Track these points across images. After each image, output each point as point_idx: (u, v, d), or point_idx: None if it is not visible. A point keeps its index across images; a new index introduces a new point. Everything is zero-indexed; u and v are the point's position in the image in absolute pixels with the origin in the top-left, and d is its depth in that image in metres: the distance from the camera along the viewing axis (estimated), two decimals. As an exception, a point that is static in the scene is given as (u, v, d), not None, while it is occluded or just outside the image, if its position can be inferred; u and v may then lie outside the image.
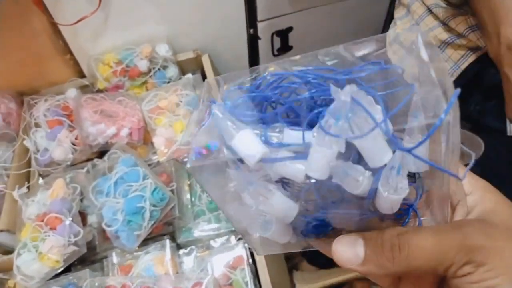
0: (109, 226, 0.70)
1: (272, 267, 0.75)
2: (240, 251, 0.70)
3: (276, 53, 1.08)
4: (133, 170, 0.74)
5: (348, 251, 0.24)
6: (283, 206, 0.27)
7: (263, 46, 1.04)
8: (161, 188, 0.71)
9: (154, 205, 0.70)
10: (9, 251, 0.79)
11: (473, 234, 0.23)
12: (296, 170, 0.24)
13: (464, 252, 0.22)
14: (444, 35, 0.70)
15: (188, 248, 0.73)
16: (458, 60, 0.70)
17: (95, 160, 0.84)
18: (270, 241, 0.30)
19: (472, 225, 0.24)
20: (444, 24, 0.70)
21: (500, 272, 0.22)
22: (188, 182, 0.80)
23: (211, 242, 0.74)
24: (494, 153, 0.75)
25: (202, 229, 0.75)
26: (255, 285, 0.69)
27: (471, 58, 0.68)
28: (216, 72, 0.96)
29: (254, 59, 1.06)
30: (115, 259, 0.72)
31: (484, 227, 0.24)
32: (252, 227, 0.30)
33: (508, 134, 0.70)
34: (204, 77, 0.96)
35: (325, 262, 1.19)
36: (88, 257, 0.78)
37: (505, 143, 0.73)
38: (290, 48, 1.07)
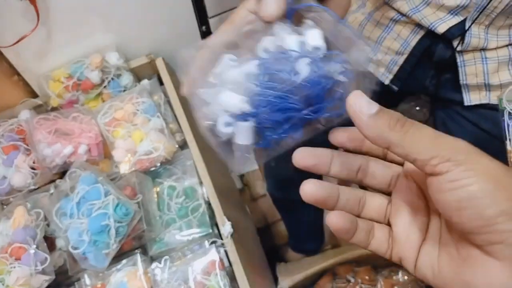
0: (75, 248, 0.68)
1: (249, 267, 0.74)
2: (213, 255, 0.69)
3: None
4: (94, 188, 0.72)
5: (363, 101, 0.26)
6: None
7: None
8: (124, 202, 0.69)
9: (119, 221, 0.68)
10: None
11: (462, 142, 0.25)
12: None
13: (451, 151, 0.25)
14: (392, 13, 0.69)
15: (162, 260, 0.72)
16: (407, 37, 0.69)
17: (57, 181, 0.82)
18: (240, 149, 0.31)
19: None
20: (389, 4, 0.69)
21: (476, 173, 0.24)
22: (156, 190, 0.79)
23: (184, 250, 0.73)
24: (455, 124, 0.76)
25: (173, 237, 0.74)
26: (232, 286, 0.68)
27: (419, 34, 0.67)
28: (173, 74, 0.94)
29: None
30: (87, 280, 0.70)
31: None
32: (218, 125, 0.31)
33: (465, 104, 0.70)
34: (160, 81, 0.94)
35: (312, 248, 1.19)
36: (62, 281, 0.76)
37: (465, 113, 0.73)
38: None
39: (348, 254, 0.90)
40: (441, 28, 0.63)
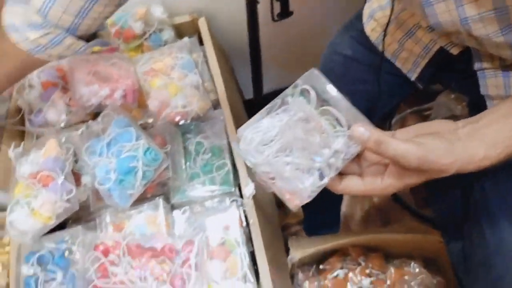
0: (101, 184, 0.70)
1: (265, 231, 0.75)
2: (234, 212, 0.70)
3: (276, 18, 1.05)
4: (126, 131, 0.73)
5: (363, 130, 0.41)
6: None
7: (262, 10, 1.01)
8: (154, 148, 0.70)
9: (147, 165, 0.70)
10: (3, 209, 0.79)
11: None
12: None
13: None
14: (417, 18, 0.68)
15: (182, 209, 0.73)
16: (428, 43, 0.68)
17: (89, 122, 0.84)
18: None
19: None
20: None
21: None
22: (184, 145, 0.80)
23: (205, 204, 0.74)
24: None
25: (196, 190, 0.74)
26: (247, 247, 0.69)
27: (442, 41, 0.66)
28: (213, 37, 0.94)
29: (253, 24, 1.04)
30: (108, 218, 0.72)
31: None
32: None
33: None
34: (200, 41, 0.94)
35: (324, 233, 1.19)
36: (82, 217, 0.78)
37: None
38: (291, 13, 1.05)
39: (361, 238, 0.90)
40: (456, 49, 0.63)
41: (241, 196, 0.74)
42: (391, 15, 0.66)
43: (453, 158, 0.41)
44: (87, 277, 0.62)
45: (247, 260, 0.64)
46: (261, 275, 0.66)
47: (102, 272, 0.62)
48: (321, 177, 0.39)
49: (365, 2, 0.81)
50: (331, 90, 0.41)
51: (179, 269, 0.62)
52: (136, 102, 0.84)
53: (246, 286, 0.62)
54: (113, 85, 0.81)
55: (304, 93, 0.40)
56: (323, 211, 1.15)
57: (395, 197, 1.40)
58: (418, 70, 0.72)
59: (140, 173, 0.69)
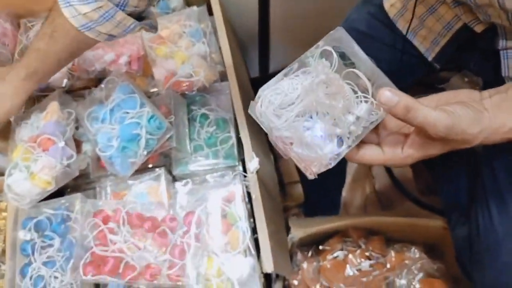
0: (103, 151, 0.68)
1: (267, 208, 0.74)
2: (237, 186, 0.68)
3: (285, -8, 1.02)
4: (130, 98, 0.71)
5: (391, 95, 0.38)
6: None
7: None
8: (159, 117, 0.68)
9: (150, 133, 0.68)
10: (1, 173, 0.78)
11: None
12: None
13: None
14: None
15: (184, 181, 0.71)
16: (450, 20, 0.65)
17: (92, 88, 0.81)
18: None
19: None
20: None
21: None
22: (189, 116, 0.78)
23: (207, 177, 0.72)
24: None
25: (199, 163, 0.73)
26: (249, 221, 0.67)
27: (466, 17, 0.63)
28: (223, 7, 0.91)
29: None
30: (108, 186, 0.70)
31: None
32: None
33: None
34: (209, 11, 0.91)
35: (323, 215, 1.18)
36: (81, 185, 0.76)
37: None
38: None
39: (363, 220, 0.89)
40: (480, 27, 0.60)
41: (244, 171, 0.73)
42: None
43: (480, 127, 0.40)
44: (85, 244, 0.61)
45: (249, 234, 0.63)
46: (261, 251, 0.64)
47: (101, 239, 0.61)
48: (339, 144, 0.37)
49: None
50: (358, 51, 0.39)
51: (179, 239, 0.60)
52: (141, 69, 0.82)
53: (247, 260, 0.61)
54: (118, 51, 0.79)
55: (325, 54, 0.38)
56: (325, 194, 1.14)
57: (397, 184, 1.39)
58: (437, 49, 0.70)
59: (143, 141, 0.67)
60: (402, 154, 0.42)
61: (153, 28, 0.66)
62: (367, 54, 0.79)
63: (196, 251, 0.60)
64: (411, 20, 0.69)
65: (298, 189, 1.24)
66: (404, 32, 0.73)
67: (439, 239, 0.89)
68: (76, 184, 0.75)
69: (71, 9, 0.56)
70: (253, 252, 0.62)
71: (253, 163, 0.70)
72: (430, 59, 0.72)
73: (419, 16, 0.70)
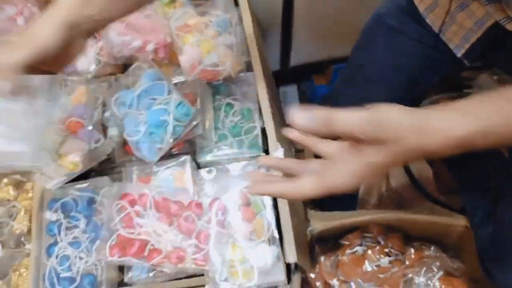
0: (130, 136, 0.69)
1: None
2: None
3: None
4: (158, 84, 0.71)
5: (304, 111, 0.35)
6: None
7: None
8: (186, 104, 0.69)
9: (177, 120, 0.68)
10: (28, 155, 0.79)
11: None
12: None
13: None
14: None
15: (208, 168, 0.72)
16: (482, 17, 0.64)
17: (118, 74, 0.82)
18: None
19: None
20: None
21: None
22: (213, 105, 0.78)
23: (231, 166, 0.72)
24: None
25: (223, 151, 0.73)
26: (273, 211, 0.67)
27: (498, 15, 0.62)
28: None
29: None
30: (134, 171, 0.71)
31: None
32: None
33: None
34: (236, 2, 0.91)
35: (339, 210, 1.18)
36: (105, 169, 0.77)
37: None
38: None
39: (383, 216, 0.88)
40: None
41: (269, 161, 0.73)
42: None
43: (411, 120, 0.34)
44: (111, 226, 0.62)
45: (274, 223, 0.63)
46: (285, 241, 0.65)
47: (127, 222, 0.62)
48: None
49: None
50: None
51: (205, 225, 0.61)
52: (167, 57, 0.82)
53: (271, 249, 0.61)
54: (146, 38, 0.79)
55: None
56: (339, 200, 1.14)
57: (415, 183, 1.38)
58: (467, 45, 0.69)
59: (170, 128, 0.67)
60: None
61: None
62: (397, 48, 0.79)
63: (221, 237, 0.60)
64: (446, 16, 0.68)
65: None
66: (434, 27, 0.73)
67: (459, 238, 0.88)
68: (101, 168, 0.76)
69: None
70: (277, 243, 0.62)
71: (277, 153, 0.70)
72: (459, 55, 0.72)
73: (450, 12, 0.69)
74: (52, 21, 0.48)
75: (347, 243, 0.90)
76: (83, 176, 0.73)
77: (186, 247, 0.59)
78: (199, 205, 0.63)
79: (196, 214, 0.62)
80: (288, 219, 0.66)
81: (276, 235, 0.62)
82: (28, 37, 0.48)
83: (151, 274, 0.62)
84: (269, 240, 0.62)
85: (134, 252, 0.59)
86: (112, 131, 0.76)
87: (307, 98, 1.55)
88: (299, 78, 1.40)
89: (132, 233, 0.61)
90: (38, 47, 0.47)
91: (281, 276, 0.60)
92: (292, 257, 0.63)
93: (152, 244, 0.60)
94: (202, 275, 0.61)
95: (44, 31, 0.48)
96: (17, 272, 0.71)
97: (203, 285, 0.60)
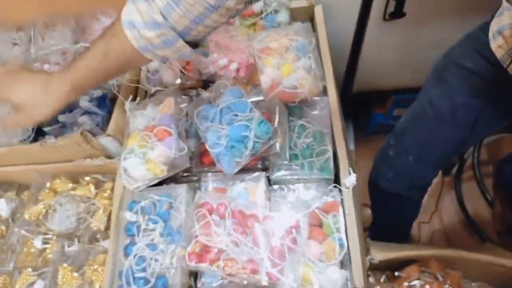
0: (212, 149, 0.73)
1: (358, 224, 0.74)
2: (336, 198, 0.70)
3: (387, 17, 1.04)
4: (241, 101, 0.75)
5: None
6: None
7: (377, 7, 1.01)
8: (267, 122, 0.72)
9: (257, 137, 0.71)
10: (109, 156, 0.85)
11: None
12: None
13: None
14: None
15: (279, 186, 0.74)
16: None
17: (199, 89, 0.87)
18: None
19: None
20: None
21: None
22: (288, 126, 0.81)
23: (302, 186, 0.75)
24: None
25: (294, 171, 0.75)
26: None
27: None
28: (326, 24, 0.94)
29: (363, 19, 1.03)
30: (211, 181, 0.74)
31: None
32: None
33: None
34: (314, 27, 0.95)
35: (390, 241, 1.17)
36: (179, 178, 0.81)
37: None
38: (404, 14, 1.03)
39: (445, 252, 0.87)
40: None
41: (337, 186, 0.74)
42: None
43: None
44: (191, 232, 0.65)
45: (345, 247, 0.64)
46: (353, 265, 0.65)
47: (206, 230, 0.65)
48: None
49: (492, 17, 0.77)
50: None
51: (279, 241, 0.63)
52: (247, 77, 0.86)
53: (341, 273, 0.62)
54: (230, 57, 0.84)
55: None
56: (396, 221, 1.13)
57: (470, 222, 1.34)
58: (508, 61, 0.68)
59: (250, 143, 0.71)
60: None
61: (205, 55, 0.69)
62: (471, 89, 0.80)
63: (294, 255, 0.62)
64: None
65: (367, 212, 1.24)
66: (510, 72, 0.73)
67: (523, 284, 0.85)
68: (177, 177, 0.80)
69: (134, 31, 0.58)
70: (347, 267, 0.63)
71: (350, 178, 0.72)
72: (505, 66, 0.71)
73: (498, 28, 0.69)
74: (57, 99, 0.67)
75: (403, 275, 0.89)
76: (159, 183, 0.77)
77: (260, 260, 0.61)
78: (273, 220, 0.65)
79: (270, 229, 0.64)
80: (357, 244, 0.67)
81: (348, 259, 0.63)
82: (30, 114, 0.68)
83: (221, 283, 0.65)
84: (339, 263, 0.63)
85: (210, 259, 0.62)
86: (190, 143, 0.81)
87: (361, 125, 1.56)
88: (357, 104, 1.41)
89: (210, 241, 0.64)
90: (39, 118, 0.69)
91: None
92: (359, 283, 0.64)
93: (228, 253, 0.63)
94: (272, 290, 0.63)
95: (46, 109, 0.68)
96: (91, 267, 0.76)
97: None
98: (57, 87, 0.67)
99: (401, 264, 0.92)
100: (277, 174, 0.75)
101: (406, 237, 1.19)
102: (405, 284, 0.87)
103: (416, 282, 0.86)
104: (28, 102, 0.67)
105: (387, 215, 1.13)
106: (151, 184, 0.74)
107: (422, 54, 1.14)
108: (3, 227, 0.85)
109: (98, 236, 0.80)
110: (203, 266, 0.62)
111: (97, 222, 0.79)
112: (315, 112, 0.83)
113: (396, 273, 0.89)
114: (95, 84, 0.69)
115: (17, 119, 0.69)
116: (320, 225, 0.68)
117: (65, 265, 0.75)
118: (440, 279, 0.87)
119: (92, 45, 0.64)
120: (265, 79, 0.82)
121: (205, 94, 0.83)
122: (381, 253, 0.85)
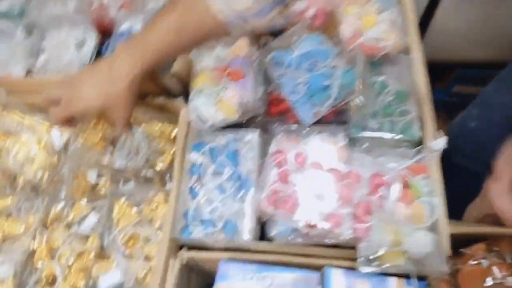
0: (288, 95, 0.67)
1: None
2: (424, 160, 0.64)
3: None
4: (322, 48, 0.69)
5: None
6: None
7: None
8: (353, 72, 0.66)
9: (341, 87, 0.66)
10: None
11: None
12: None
13: None
14: None
15: (360, 142, 0.69)
16: None
17: (267, 37, 0.81)
18: None
19: None
20: None
21: None
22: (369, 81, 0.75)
23: (384, 144, 0.69)
24: None
25: (375, 129, 0.70)
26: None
27: None
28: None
29: None
30: (284, 130, 0.69)
31: None
32: None
33: None
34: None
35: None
36: (249, 125, 0.76)
37: None
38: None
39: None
40: None
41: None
42: None
43: None
44: (266, 179, 0.60)
45: (435, 212, 0.59)
46: (442, 232, 0.61)
47: (283, 178, 0.60)
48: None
49: None
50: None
51: (364, 197, 0.58)
52: (322, 26, 0.80)
53: (431, 238, 0.58)
54: (308, 2, 0.77)
55: None
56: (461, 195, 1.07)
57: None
58: None
59: (332, 93, 0.65)
60: None
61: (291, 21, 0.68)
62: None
63: (381, 214, 0.57)
64: None
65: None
66: None
67: None
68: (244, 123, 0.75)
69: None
70: (436, 232, 0.58)
71: (439, 141, 0.66)
72: None
73: None
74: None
75: (469, 253, 0.84)
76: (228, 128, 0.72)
77: (343, 214, 0.57)
78: (357, 176, 0.61)
79: (354, 184, 0.59)
80: (443, 210, 0.62)
81: (438, 223, 0.58)
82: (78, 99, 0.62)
83: (294, 235, 0.60)
84: (428, 227, 0.58)
85: (287, 208, 0.58)
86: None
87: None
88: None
89: (285, 190, 0.59)
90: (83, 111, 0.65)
91: (441, 266, 0.56)
92: (448, 249, 0.59)
93: (307, 204, 0.58)
94: (349, 247, 0.58)
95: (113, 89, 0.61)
96: (150, 206, 0.72)
97: (350, 258, 0.58)
98: (121, 64, 0.60)
99: (466, 242, 0.87)
100: (356, 130, 0.70)
101: (460, 216, 1.12)
102: (470, 262, 0.81)
103: (483, 261, 0.81)
104: (100, 93, 0.61)
105: (452, 192, 1.06)
106: (220, 125, 0.69)
107: (500, 30, 1.05)
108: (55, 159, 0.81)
109: (155, 177, 0.76)
110: (278, 213, 0.58)
111: (161, 163, 0.75)
112: (397, 69, 0.77)
113: (461, 250, 0.84)
114: (166, 59, 0.64)
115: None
116: (408, 187, 0.62)
117: (122, 200, 0.72)
118: (509, 260, 0.82)
119: (159, 20, 0.60)
120: (345, 29, 0.76)
121: (277, 41, 0.77)
122: (453, 227, 0.80)
